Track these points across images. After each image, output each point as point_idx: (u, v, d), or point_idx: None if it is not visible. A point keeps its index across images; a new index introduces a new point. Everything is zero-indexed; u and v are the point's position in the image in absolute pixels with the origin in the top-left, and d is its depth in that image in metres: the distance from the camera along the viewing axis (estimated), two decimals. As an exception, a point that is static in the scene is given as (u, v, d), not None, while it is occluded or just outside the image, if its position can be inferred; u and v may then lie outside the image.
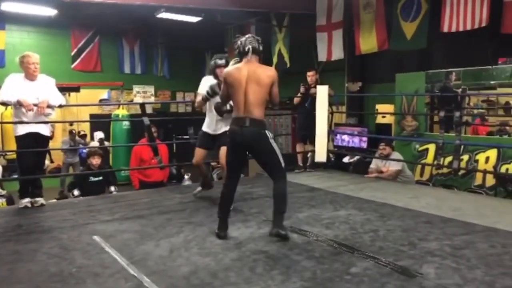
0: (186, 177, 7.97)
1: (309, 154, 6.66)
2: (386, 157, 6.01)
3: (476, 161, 5.88)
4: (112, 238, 3.44)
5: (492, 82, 6.86)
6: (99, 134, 9.91)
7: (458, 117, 5.08)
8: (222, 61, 4.22)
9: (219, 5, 8.57)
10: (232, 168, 3.47)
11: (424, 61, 7.62)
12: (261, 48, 3.45)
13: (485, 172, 5.65)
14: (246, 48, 3.37)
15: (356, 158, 7.79)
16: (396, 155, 6.12)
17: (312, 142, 6.34)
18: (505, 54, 6.48)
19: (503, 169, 5.54)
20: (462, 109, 5.59)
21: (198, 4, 8.47)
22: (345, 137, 8.78)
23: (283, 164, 3.38)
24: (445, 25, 6.58)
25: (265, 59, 10.64)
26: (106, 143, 9.74)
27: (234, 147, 3.40)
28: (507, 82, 6.59)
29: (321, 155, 6.23)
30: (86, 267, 2.86)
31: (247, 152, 3.48)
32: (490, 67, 6.49)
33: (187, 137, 5.97)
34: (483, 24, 6.13)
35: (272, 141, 3.34)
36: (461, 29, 6.39)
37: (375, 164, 6.25)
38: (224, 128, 4.20)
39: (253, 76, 3.30)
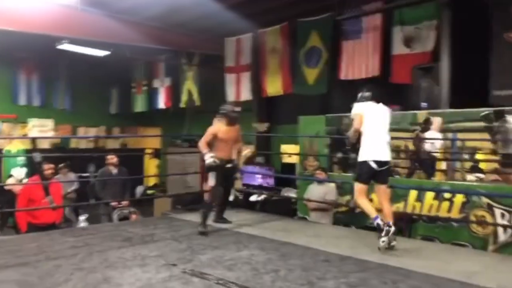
0: (81, 218, 7.17)
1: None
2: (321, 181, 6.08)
3: (371, 200, 6.25)
4: (-15, 291, 3.02)
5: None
6: None
7: (353, 159, 5.41)
8: None
9: (127, 41, 8.41)
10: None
11: (324, 105, 8.10)
12: None
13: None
14: None
15: (263, 196, 7.89)
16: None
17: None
18: (395, 102, 7.14)
19: (394, 208, 5.95)
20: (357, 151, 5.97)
21: (105, 38, 8.21)
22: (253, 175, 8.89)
23: None
24: (342, 73, 7.15)
25: (174, 97, 10.54)
26: None
27: None
28: (397, 127, 7.22)
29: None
30: None
31: None
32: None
33: (87, 174, 5.53)
34: (375, 74, 6.76)
35: None
36: (356, 77, 6.99)
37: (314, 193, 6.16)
38: None
39: None
